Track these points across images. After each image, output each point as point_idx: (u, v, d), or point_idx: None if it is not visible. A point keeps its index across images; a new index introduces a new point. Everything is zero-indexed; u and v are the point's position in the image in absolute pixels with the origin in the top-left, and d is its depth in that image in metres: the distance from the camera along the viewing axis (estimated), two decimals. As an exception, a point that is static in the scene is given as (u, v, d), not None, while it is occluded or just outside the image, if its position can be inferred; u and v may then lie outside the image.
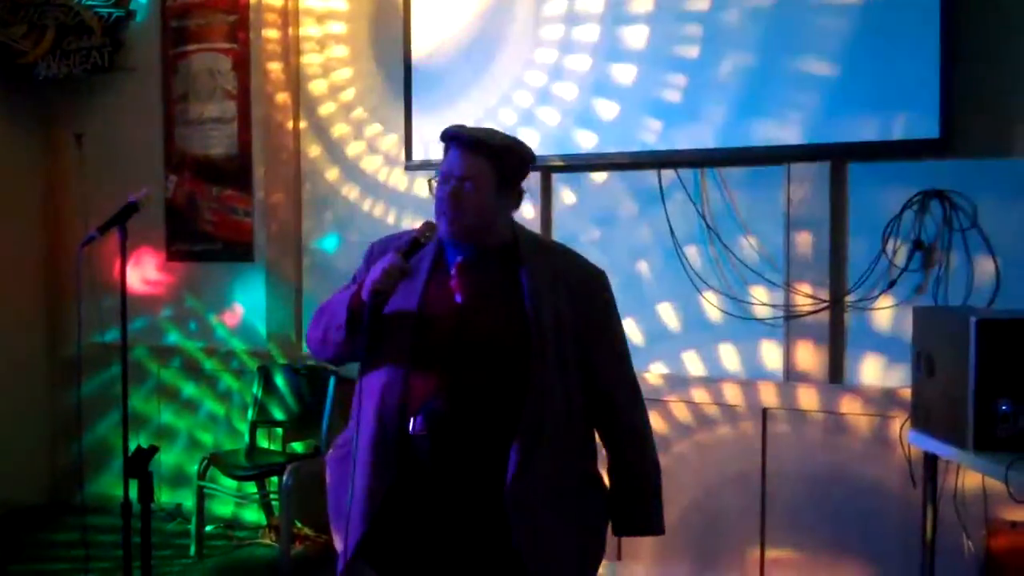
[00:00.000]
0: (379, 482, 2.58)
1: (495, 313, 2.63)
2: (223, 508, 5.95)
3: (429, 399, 2.56)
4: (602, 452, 2.80)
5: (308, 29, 5.79)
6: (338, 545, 2.71)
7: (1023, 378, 3.13)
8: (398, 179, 5.50)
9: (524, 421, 2.55)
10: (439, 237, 2.68)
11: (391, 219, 5.53)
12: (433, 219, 2.67)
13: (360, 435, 2.63)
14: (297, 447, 5.74)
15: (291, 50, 5.79)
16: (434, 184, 2.68)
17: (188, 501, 5.74)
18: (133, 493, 3.39)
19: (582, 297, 2.71)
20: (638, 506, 2.78)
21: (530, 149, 2.75)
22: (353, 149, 5.69)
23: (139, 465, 2.97)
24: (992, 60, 4.12)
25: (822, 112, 4.36)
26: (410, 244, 2.62)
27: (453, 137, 2.66)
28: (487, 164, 2.62)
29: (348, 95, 5.69)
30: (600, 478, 2.80)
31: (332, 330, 2.65)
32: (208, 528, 5.67)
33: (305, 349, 5.77)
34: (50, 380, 6.53)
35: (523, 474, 2.53)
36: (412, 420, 2.56)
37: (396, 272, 2.55)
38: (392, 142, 5.52)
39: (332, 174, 5.74)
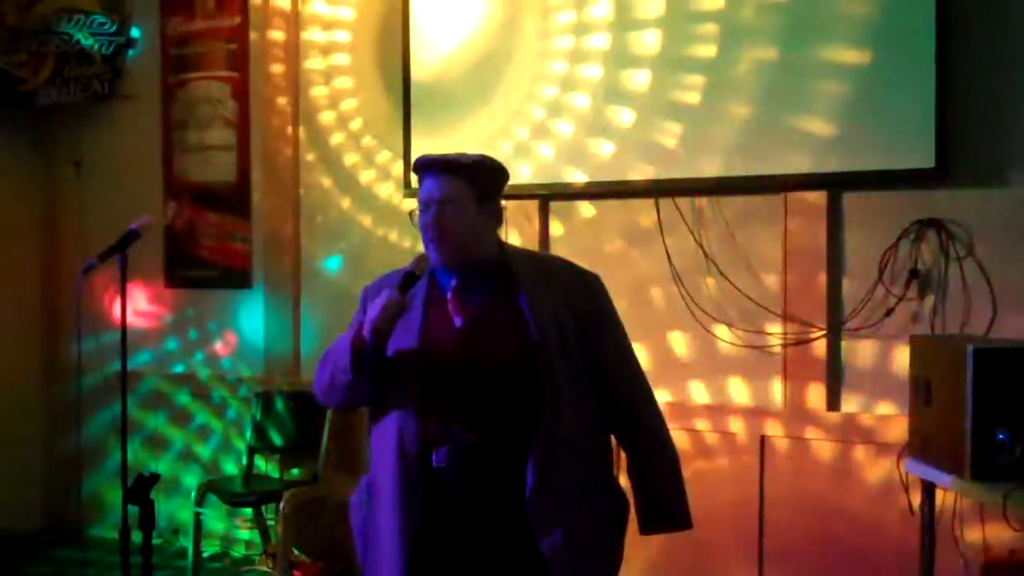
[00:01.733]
0: (411, 520, 2.59)
1: (497, 332, 2.65)
2: (219, 529, 5.94)
3: (447, 429, 2.57)
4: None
5: (310, 59, 5.81)
6: None
7: (1020, 407, 3.14)
8: (398, 203, 5.50)
9: (539, 434, 2.56)
10: (431, 266, 2.70)
11: (393, 241, 5.54)
12: (422, 250, 2.70)
13: (381, 477, 2.66)
14: (295, 473, 5.74)
15: (291, 79, 5.81)
16: (416, 216, 2.70)
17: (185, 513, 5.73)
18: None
19: (579, 301, 2.73)
20: (662, 502, 2.81)
21: (500, 163, 2.78)
22: (353, 174, 5.70)
23: (141, 493, 2.98)
24: (987, 90, 4.15)
25: (819, 143, 4.39)
26: (404, 278, 2.64)
27: (426, 165, 2.69)
28: (464, 184, 2.65)
29: (349, 121, 5.72)
30: (618, 484, 2.82)
31: (339, 374, 2.65)
32: (205, 554, 5.66)
33: (305, 373, 5.79)
34: (47, 405, 6.53)
35: (542, 486, 2.55)
36: (435, 453, 2.57)
37: (394, 307, 2.57)
38: (392, 166, 5.53)
39: (331, 200, 5.75)
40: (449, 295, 2.70)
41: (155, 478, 3.05)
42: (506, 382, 2.60)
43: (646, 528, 2.81)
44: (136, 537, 3.39)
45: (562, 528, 2.57)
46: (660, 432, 2.83)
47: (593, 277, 2.84)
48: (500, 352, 2.62)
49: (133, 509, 3.28)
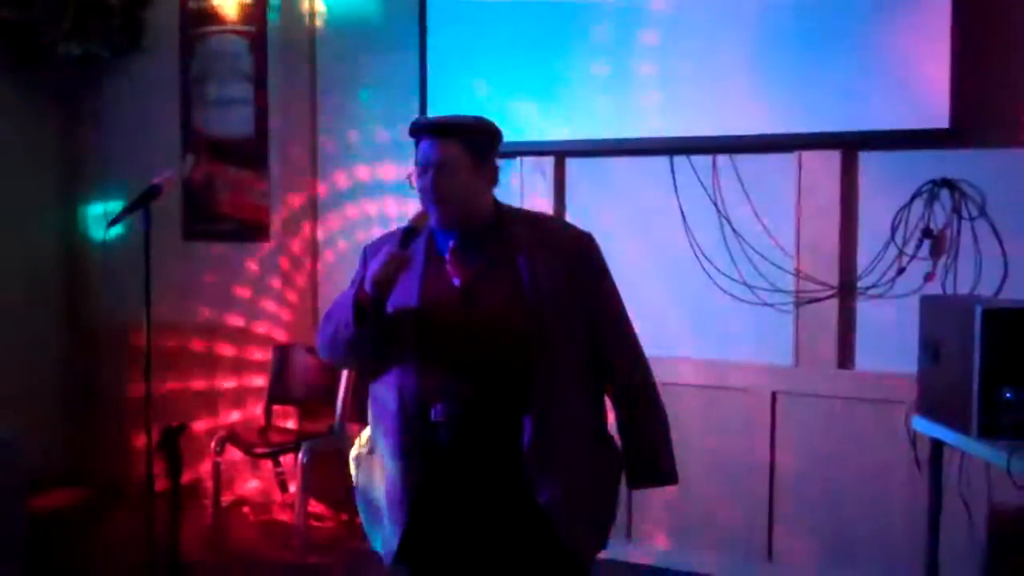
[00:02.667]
0: (411, 474, 2.66)
1: (495, 290, 2.70)
2: (239, 485, 6.04)
3: (446, 385, 2.64)
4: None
5: (327, 8, 5.82)
6: (376, 542, 2.82)
7: (1027, 366, 3.19)
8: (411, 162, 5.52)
9: (535, 390, 2.62)
10: (429, 227, 2.74)
11: (408, 200, 5.57)
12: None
13: (382, 432, 2.72)
14: (314, 425, 5.82)
15: (308, 32, 5.82)
16: (414, 179, 2.74)
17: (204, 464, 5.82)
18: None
19: (575, 261, 2.77)
20: (649, 458, 2.86)
21: (495, 124, 2.81)
22: (372, 129, 5.72)
23: (168, 443, 3.05)
24: (1002, 51, 4.16)
25: (833, 101, 4.40)
26: (405, 233, 2.68)
27: (422, 128, 2.74)
28: (459, 146, 2.69)
29: (367, 75, 5.72)
30: (611, 436, 2.88)
31: (341, 329, 2.69)
32: (223, 504, 5.77)
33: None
34: (68, 357, 6.62)
35: (538, 440, 2.61)
36: (433, 408, 2.63)
37: (396, 260, 2.62)
38: (409, 120, 5.49)
39: (348, 155, 5.79)
40: (447, 255, 2.74)
41: (182, 428, 3.13)
42: (503, 340, 2.65)
43: (634, 483, 2.88)
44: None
45: (558, 481, 2.64)
46: (650, 391, 2.88)
47: (588, 237, 2.87)
48: (498, 311, 2.67)
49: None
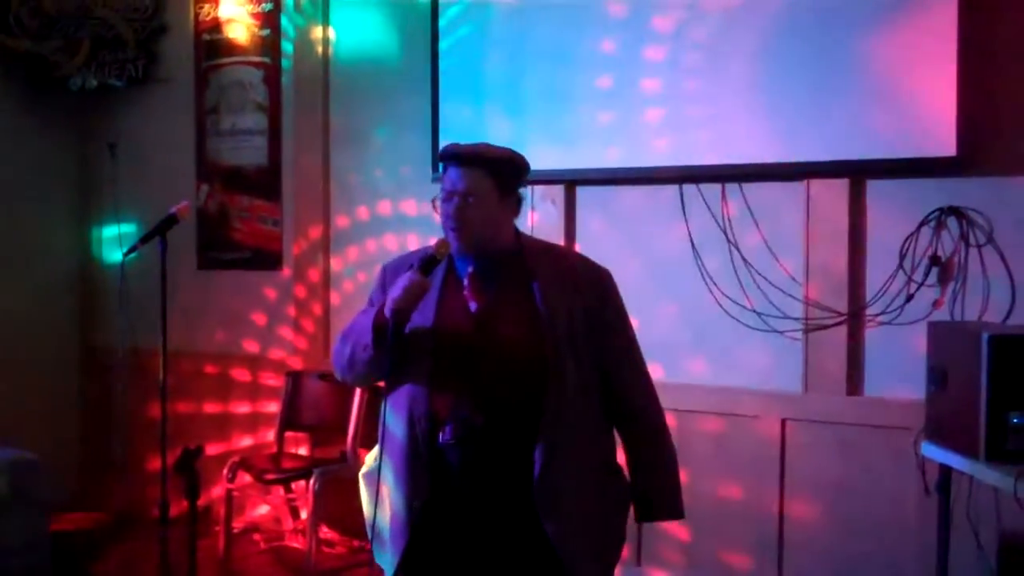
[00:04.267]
0: (417, 494, 2.69)
1: (510, 318, 2.74)
2: (251, 511, 6.06)
3: (456, 408, 2.67)
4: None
5: (340, 41, 5.89)
6: (382, 560, 2.84)
7: (1034, 392, 3.21)
8: (424, 190, 5.57)
9: (546, 420, 2.66)
10: (450, 252, 2.78)
11: (417, 230, 5.62)
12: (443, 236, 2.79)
13: (391, 451, 2.75)
14: (326, 451, 5.85)
15: (322, 65, 5.89)
16: (438, 203, 2.78)
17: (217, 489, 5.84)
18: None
19: (591, 296, 2.82)
20: (658, 494, 2.91)
21: (524, 157, 2.86)
22: (384, 159, 5.78)
23: (186, 465, 3.09)
24: (1009, 80, 4.19)
25: (841, 129, 4.44)
26: (425, 261, 2.71)
27: (452, 156, 2.77)
28: (487, 176, 2.73)
29: (379, 106, 5.79)
30: (620, 468, 2.92)
31: (359, 350, 2.74)
32: (235, 530, 5.79)
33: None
34: (83, 381, 6.67)
35: (548, 470, 2.65)
36: (442, 430, 2.67)
37: (416, 289, 2.66)
38: (420, 150, 5.53)
39: (362, 184, 5.84)
40: (466, 281, 2.79)
41: (199, 451, 3.17)
42: (515, 367, 2.69)
43: (642, 517, 2.93)
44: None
45: (567, 511, 2.67)
46: (660, 427, 2.93)
47: (605, 272, 2.92)
48: (512, 338, 2.72)
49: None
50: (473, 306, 2.76)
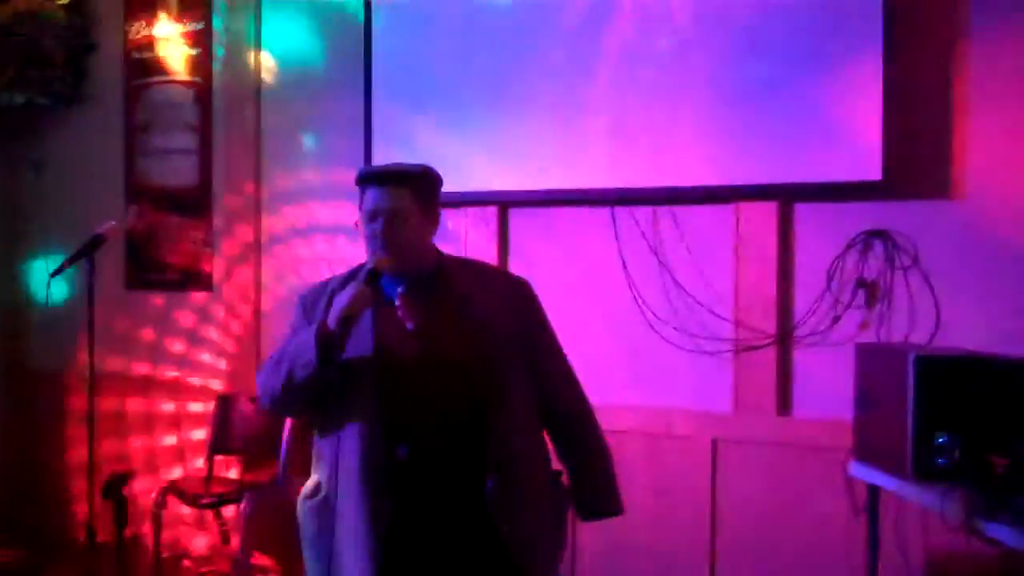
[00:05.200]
0: (380, 519, 2.68)
1: (448, 334, 2.77)
2: (180, 536, 5.96)
3: (408, 425, 2.69)
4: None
5: (271, 60, 5.86)
6: None
7: (959, 412, 3.26)
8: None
9: (494, 430, 2.71)
10: (374, 276, 2.79)
11: (350, 251, 5.61)
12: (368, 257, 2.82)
13: (343, 478, 2.73)
14: (257, 475, 5.78)
15: (253, 81, 5.86)
16: (362, 226, 2.81)
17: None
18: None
19: (514, 305, 2.90)
20: (598, 492, 3.00)
21: (437, 172, 2.91)
22: (315, 179, 5.76)
23: (114, 491, 3.04)
24: (932, 106, 4.28)
25: (770, 153, 4.49)
26: (368, 274, 2.74)
27: (371, 177, 2.82)
28: (409, 194, 2.78)
29: (311, 125, 5.77)
30: (558, 473, 3.01)
31: (297, 369, 2.69)
32: (165, 555, 5.70)
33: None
34: (7, 409, 6.53)
35: (500, 478, 2.70)
36: (398, 449, 2.68)
37: (364, 297, 2.68)
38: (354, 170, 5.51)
39: (292, 204, 5.81)
40: (398, 301, 2.79)
41: (128, 476, 3.12)
42: (460, 381, 2.74)
43: (586, 516, 3.01)
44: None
45: (519, 516, 2.73)
46: (593, 425, 3.03)
47: (525, 282, 3.00)
48: (453, 353, 2.75)
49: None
50: (410, 325, 2.77)
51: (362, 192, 2.83)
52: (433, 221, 2.88)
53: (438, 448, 2.71)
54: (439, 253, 2.94)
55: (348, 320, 2.66)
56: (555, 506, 2.95)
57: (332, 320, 2.66)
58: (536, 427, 2.90)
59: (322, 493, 2.81)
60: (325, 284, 2.93)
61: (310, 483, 2.91)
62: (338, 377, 2.71)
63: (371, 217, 2.78)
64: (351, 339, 2.72)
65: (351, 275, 2.86)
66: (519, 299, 2.94)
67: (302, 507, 2.90)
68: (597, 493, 3.00)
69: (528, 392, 2.85)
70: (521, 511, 2.75)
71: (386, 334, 2.77)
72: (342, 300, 2.67)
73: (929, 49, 4.30)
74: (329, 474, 2.77)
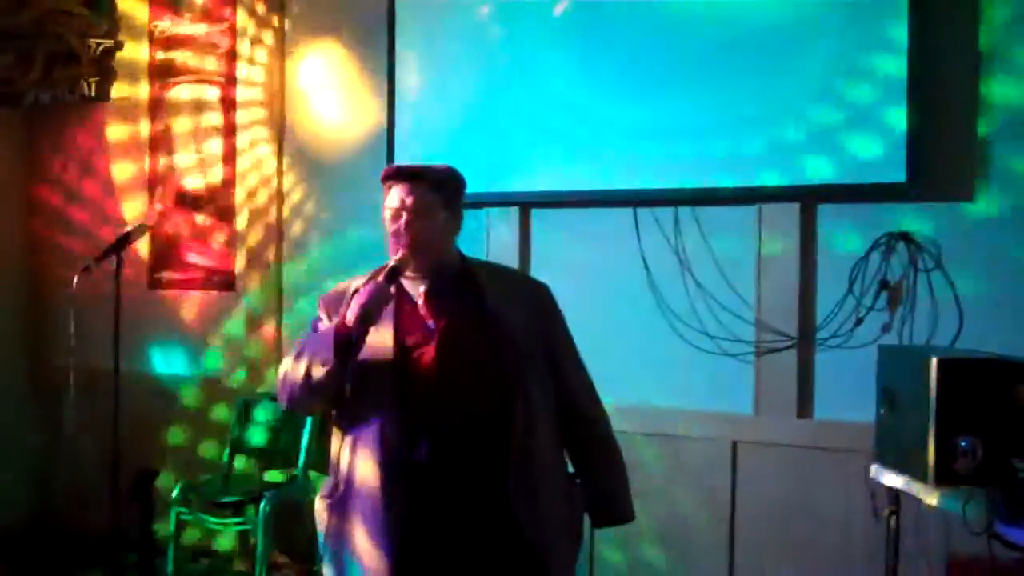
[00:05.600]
0: (394, 519, 2.68)
1: (470, 334, 2.77)
2: (199, 535, 5.98)
3: (427, 425, 2.69)
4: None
5: (297, 66, 5.88)
6: None
7: (981, 415, 3.24)
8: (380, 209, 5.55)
9: (514, 430, 2.70)
10: (394, 273, 2.79)
11: (377, 247, 5.60)
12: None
13: (360, 476, 2.73)
14: (274, 476, 5.80)
15: (277, 85, 5.88)
16: (387, 223, 2.82)
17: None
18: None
19: (535, 309, 2.91)
20: (611, 498, 2.99)
21: (461, 173, 2.92)
22: (337, 180, 5.77)
23: (142, 489, 3.04)
24: (957, 109, 4.26)
25: (793, 155, 4.48)
26: (389, 271, 2.75)
27: (395, 174, 2.83)
28: (432, 192, 2.79)
29: (334, 127, 5.79)
30: (572, 474, 3.01)
31: (315, 367, 2.69)
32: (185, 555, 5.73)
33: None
34: (31, 407, 6.57)
35: (521, 477, 2.70)
36: (416, 448, 2.68)
37: (382, 296, 2.68)
38: (375, 173, 5.50)
39: (313, 205, 5.83)
40: (420, 300, 2.81)
41: (155, 474, 3.12)
42: (481, 381, 2.73)
43: (597, 521, 3.01)
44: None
45: (541, 516, 2.73)
46: (608, 431, 3.02)
47: (545, 286, 3.02)
48: (474, 352, 2.75)
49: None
50: (431, 324, 2.77)
51: (387, 189, 2.84)
52: (457, 222, 2.89)
53: (457, 448, 2.70)
54: (462, 254, 2.94)
55: (367, 318, 2.65)
56: (572, 508, 2.93)
57: (351, 318, 2.65)
58: (554, 430, 2.88)
59: (339, 492, 2.81)
60: (346, 285, 2.93)
61: (327, 482, 2.91)
62: (357, 375, 2.71)
63: (395, 214, 2.79)
64: (371, 336, 2.71)
65: (373, 275, 2.85)
66: (539, 303, 2.95)
67: (319, 506, 2.90)
68: (609, 499, 3.00)
69: (547, 395, 2.84)
70: (542, 511, 2.75)
71: (407, 332, 2.77)
72: (361, 298, 2.67)
73: (954, 51, 4.28)
74: (347, 473, 2.77)
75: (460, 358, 2.74)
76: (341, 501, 2.80)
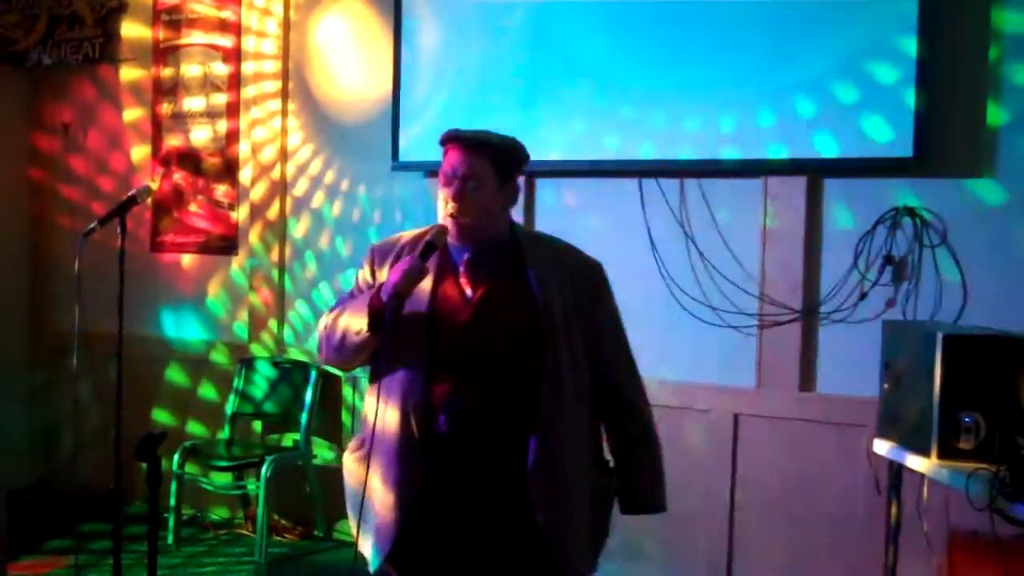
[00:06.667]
0: (410, 484, 2.68)
1: (506, 306, 2.74)
2: (200, 499, 6.01)
3: (451, 397, 2.67)
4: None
5: (303, 26, 5.85)
6: (364, 545, 2.81)
7: (985, 391, 3.25)
8: (385, 177, 5.58)
9: (541, 409, 2.67)
10: (430, 248, 2.76)
11: (376, 217, 5.62)
12: (439, 221, 2.79)
13: (382, 438, 2.72)
14: (277, 440, 5.83)
15: (283, 46, 5.86)
16: (439, 186, 2.78)
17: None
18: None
19: (583, 286, 2.85)
20: (643, 485, 2.96)
21: (524, 146, 2.88)
22: (342, 144, 5.76)
23: (149, 450, 3.04)
24: (965, 84, 4.25)
25: (800, 128, 4.47)
26: (424, 247, 2.71)
27: (454, 139, 2.77)
28: (487, 162, 2.74)
29: (340, 91, 5.77)
30: (607, 462, 2.95)
31: (351, 334, 2.71)
32: (185, 517, 5.76)
33: (289, 340, 5.86)
34: (32, 368, 6.60)
35: (542, 459, 2.66)
36: (436, 420, 2.66)
37: (416, 274, 2.65)
38: (380, 136, 5.51)
39: (318, 168, 5.81)
40: (462, 268, 2.78)
41: (163, 436, 3.13)
42: (511, 355, 2.70)
43: (627, 509, 2.97)
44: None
45: (559, 502, 2.69)
46: (648, 421, 2.97)
47: (598, 265, 2.97)
48: (507, 325, 2.72)
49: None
50: (469, 293, 2.75)
51: (444, 152, 2.79)
52: (510, 194, 2.84)
53: (481, 421, 2.67)
54: (514, 225, 2.90)
55: (398, 296, 2.63)
56: (600, 498, 2.89)
57: (385, 293, 2.64)
58: (588, 414, 2.84)
59: (364, 449, 2.81)
60: (397, 239, 2.90)
61: (356, 437, 2.93)
62: (391, 339, 2.69)
63: (447, 179, 2.75)
64: (412, 298, 2.69)
65: (422, 235, 2.81)
66: (587, 280, 2.90)
67: (347, 460, 2.92)
68: (641, 488, 2.96)
69: (583, 375, 2.79)
70: (561, 496, 2.70)
71: (444, 300, 2.75)
72: (394, 275, 2.65)
73: (965, 23, 4.26)
74: (371, 432, 2.75)
75: (491, 330, 2.70)
76: (364, 458, 2.78)
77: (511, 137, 2.86)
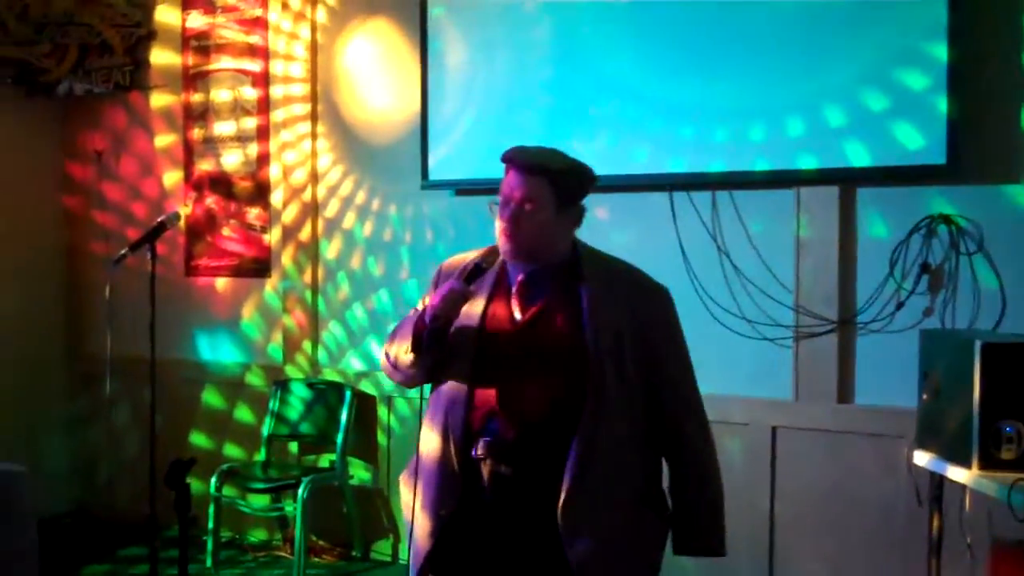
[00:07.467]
0: (444, 505, 2.65)
1: (554, 330, 2.66)
2: (238, 521, 6.02)
3: (490, 421, 2.62)
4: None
5: (330, 50, 5.87)
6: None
7: (1026, 401, 3.21)
8: (415, 196, 5.58)
9: (579, 438, 2.57)
10: (477, 271, 2.73)
11: (407, 237, 5.62)
12: (495, 243, 2.73)
13: (425, 458, 2.71)
14: (313, 461, 5.83)
15: (311, 66, 5.88)
16: (495, 208, 2.71)
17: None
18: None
19: (643, 310, 2.72)
20: (699, 526, 2.78)
21: (591, 169, 2.77)
22: (372, 165, 5.77)
23: (177, 477, 3.04)
24: (998, 90, 4.20)
25: (830, 137, 4.44)
26: (471, 270, 2.69)
27: (513, 159, 2.69)
28: (546, 185, 2.65)
29: (369, 111, 5.78)
30: (662, 497, 2.79)
31: (401, 354, 2.71)
32: (223, 540, 5.77)
33: (323, 361, 5.87)
34: (70, 395, 6.63)
35: (576, 493, 2.55)
36: (476, 444, 2.61)
37: (457, 297, 2.62)
38: (408, 156, 5.54)
39: (348, 189, 5.83)
40: (514, 288, 2.73)
41: (191, 463, 3.13)
42: (555, 380, 2.61)
43: (679, 549, 2.79)
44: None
45: (591, 537, 2.57)
46: (708, 459, 2.80)
47: (663, 291, 2.83)
48: (553, 349, 2.64)
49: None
50: (518, 315, 2.70)
51: (504, 172, 2.71)
52: (571, 218, 2.74)
53: (517, 448, 2.59)
54: (577, 246, 2.81)
55: (439, 320, 2.60)
56: (644, 538, 2.72)
57: (427, 315, 2.62)
58: (636, 445, 2.69)
59: (413, 467, 2.79)
60: (463, 258, 2.84)
61: (411, 460, 2.87)
62: (442, 359, 2.68)
63: (504, 202, 2.68)
64: (463, 317, 2.66)
65: (489, 252, 2.75)
66: (647, 306, 2.76)
67: (402, 482, 2.89)
68: (696, 529, 2.77)
69: (634, 405, 2.66)
70: (596, 532, 2.58)
71: (494, 319, 2.70)
72: (436, 297, 2.63)
73: (996, 29, 4.21)
74: (421, 447, 2.74)
75: (536, 354, 2.63)
76: (415, 472, 2.76)
77: (576, 160, 2.75)
